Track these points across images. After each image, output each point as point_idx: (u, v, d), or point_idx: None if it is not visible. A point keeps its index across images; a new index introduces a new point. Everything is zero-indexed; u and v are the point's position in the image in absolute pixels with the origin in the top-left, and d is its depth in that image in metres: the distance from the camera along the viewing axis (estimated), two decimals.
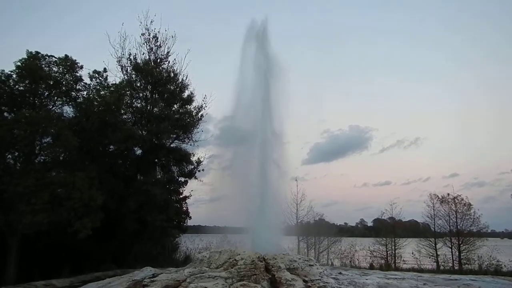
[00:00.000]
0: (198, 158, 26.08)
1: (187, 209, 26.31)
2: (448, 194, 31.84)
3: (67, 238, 17.83)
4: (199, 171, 25.94)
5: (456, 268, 28.81)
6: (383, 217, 36.01)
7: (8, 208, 15.91)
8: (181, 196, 26.10)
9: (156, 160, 25.06)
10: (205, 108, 26.24)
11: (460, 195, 31.62)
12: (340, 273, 14.95)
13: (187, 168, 25.79)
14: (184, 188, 26.18)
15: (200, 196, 28.54)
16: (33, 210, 15.47)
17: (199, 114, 26.13)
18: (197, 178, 25.96)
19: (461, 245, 30.51)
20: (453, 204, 31.66)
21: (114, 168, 22.31)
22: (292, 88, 20.10)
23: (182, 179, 26.02)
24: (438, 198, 32.31)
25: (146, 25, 25.69)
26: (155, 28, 25.90)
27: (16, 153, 17.71)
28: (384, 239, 33.48)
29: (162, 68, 26.17)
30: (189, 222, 26.98)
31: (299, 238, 33.06)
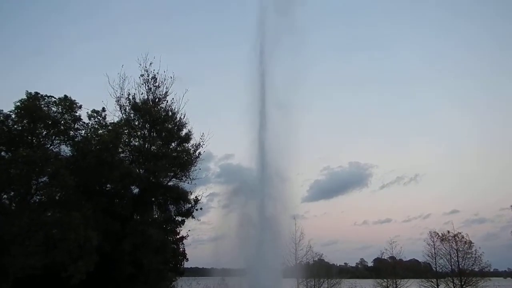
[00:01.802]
0: (196, 197, 25.68)
1: (184, 250, 25.61)
2: (449, 232, 31.54)
3: (60, 284, 17.09)
4: (196, 209, 25.47)
5: None
6: (383, 257, 35.38)
7: (1, 250, 15.35)
8: (178, 237, 25.46)
9: (153, 199, 24.64)
10: (203, 146, 26.21)
11: (460, 233, 31.30)
12: None
13: (184, 207, 25.32)
14: (181, 228, 25.60)
15: (198, 236, 27.99)
16: (27, 252, 14.95)
17: (197, 152, 26.04)
18: (194, 217, 25.45)
19: (464, 286, 29.73)
20: (454, 242, 31.23)
21: (111, 207, 21.85)
22: (292, 126, 20.42)
23: (179, 219, 25.47)
24: (439, 236, 31.91)
25: (145, 66, 26.15)
26: (154, 70, 26.35)
27: (12, 193, 17.39)
28: (385, 280, 32.62)
29: (160, 107, 26.36)
30: (186, 264, 26.19)
31: (299, 280, 32.06)
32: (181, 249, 25.45)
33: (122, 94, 25.56)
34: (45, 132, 19.77)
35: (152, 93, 26.54)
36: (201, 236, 28.43)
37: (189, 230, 25.87)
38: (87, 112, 22.37)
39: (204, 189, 26.77)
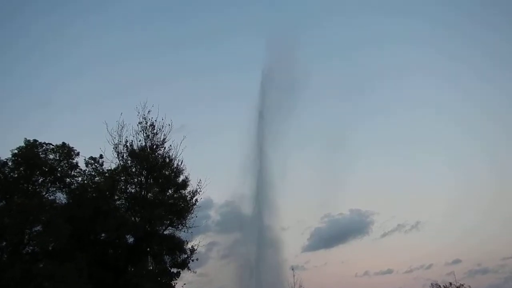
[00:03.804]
0: (192, 246, 24.85)
1: None
2: (451, 284, 30.49)
3: None
4: (192, 260, 24.54)
5: None
6: None
7: None
8: None
9: (148, 248, 23.84)
10: (200, 192, 25.78)
11: (463, 285, 30.27)
12: None
13: (180, 258, 24.40)
14: (176, 281, 24.43)
15: None
16: None
17: (194, 199, 25.58)
18: (190, 269, 24.45)
19: None
20: None
21: (105, 258, 21.08)
22: (291, 173, 20.40)
23: (175, 270, 24.44)
24: None
25: (144, 114, 26.27)
26: (152, 117, 26.48)
27: (4, 243, 16.78)
28: None
29: (158, 154, 26.20)
30: None
31: None
32: None
33: (120, 141, 25.47)
34: (41, 180, 19.59)
35: (150, 140, 26.51)
36: None
37: (184, 284, 24.72)
38: (85, 159, 22.34)
39: (203, 238, 25.98)
